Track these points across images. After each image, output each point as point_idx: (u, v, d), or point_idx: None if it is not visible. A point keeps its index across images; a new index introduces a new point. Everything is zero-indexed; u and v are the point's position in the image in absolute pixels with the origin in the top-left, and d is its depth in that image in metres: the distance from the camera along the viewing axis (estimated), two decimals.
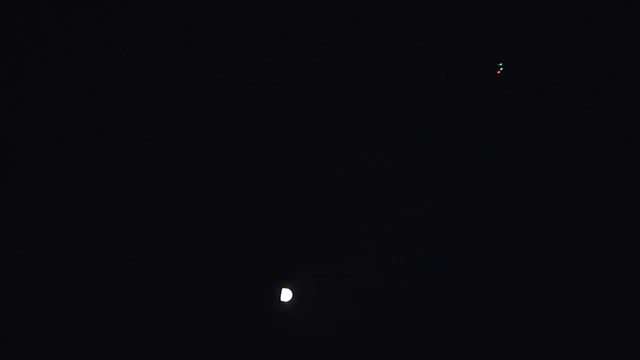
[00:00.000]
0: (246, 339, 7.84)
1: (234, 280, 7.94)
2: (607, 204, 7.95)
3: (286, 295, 7.92)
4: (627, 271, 7.83)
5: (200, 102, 8.13)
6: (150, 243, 7.91)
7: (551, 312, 7.83)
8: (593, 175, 7.99)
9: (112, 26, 8.07)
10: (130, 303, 7.78)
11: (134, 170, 7.98)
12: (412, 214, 8.04)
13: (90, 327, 7.70)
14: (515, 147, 8.09)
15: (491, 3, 8.17)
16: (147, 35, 8.10)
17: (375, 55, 8.20)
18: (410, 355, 7.85)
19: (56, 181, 7.89)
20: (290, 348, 7.83)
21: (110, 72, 8.06)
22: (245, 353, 7.81)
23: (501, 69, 7.59)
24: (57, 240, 7.79)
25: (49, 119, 7.96)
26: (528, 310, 7.84)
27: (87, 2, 8.05)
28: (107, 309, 7.74)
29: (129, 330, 7.74)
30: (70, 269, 7.76)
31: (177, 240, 7.94)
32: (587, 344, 7.74)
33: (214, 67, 8.15)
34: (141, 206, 7.94)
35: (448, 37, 8.19)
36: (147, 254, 7.88)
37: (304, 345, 7.84)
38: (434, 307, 7.92)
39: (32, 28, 7.99)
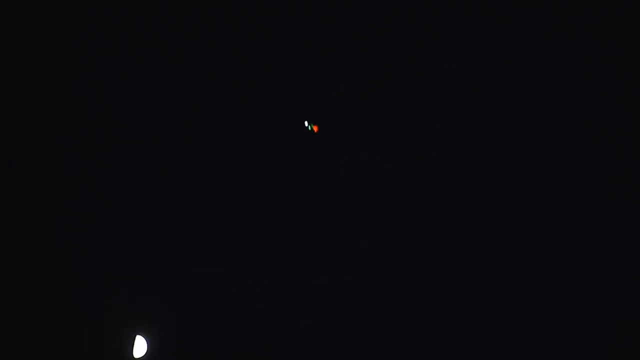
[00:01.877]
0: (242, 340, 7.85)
1: (234, 281, 7.94)
2: (607, 204, 7.94)
3: (140, 348, 7.24)
4: (627, 271, 7.83)
5: (200, 102, 8.13)
6: (150, 243, 7.90)
7: (551, 312, 7.83)
8: (593, 175, 7.99)
9: (112, 26, 8.07)
10: (130, 303, 7.78)
11: (134, 170, 7.98)
12: (412, 214, 8.04)
13: (90, 327, 7.70)
14: (515, 147, 8.08)
15: (491, 3, 8.17)
16: (147, 35, 8.10)
17: (375, 55, 8.20)
18: (410, 355, 7.85)
19: (56, 181, 7.88)
20: None
21: (110, 72, 8.06)
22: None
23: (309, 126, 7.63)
24: (57, 240, 7.79)
25: (49, 119, 7.96)
26: (528, 311, 7.84)
27: (87, 2, 8.05)
28: (107, 308, 7.74)
29: (128, 330, 7.73)
30: (70, 269, 7.76)
31: (177, 241, 7.94)
32: (587, 344, 7.74)
33: (214, 67, 8.15)
34: (141, 206, 7.94)
35: (448, 37, 8.19)
36: (147, 254, 7.88)
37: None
38: (433, 308, 7.92)
39: (32, 28, 8.00)
